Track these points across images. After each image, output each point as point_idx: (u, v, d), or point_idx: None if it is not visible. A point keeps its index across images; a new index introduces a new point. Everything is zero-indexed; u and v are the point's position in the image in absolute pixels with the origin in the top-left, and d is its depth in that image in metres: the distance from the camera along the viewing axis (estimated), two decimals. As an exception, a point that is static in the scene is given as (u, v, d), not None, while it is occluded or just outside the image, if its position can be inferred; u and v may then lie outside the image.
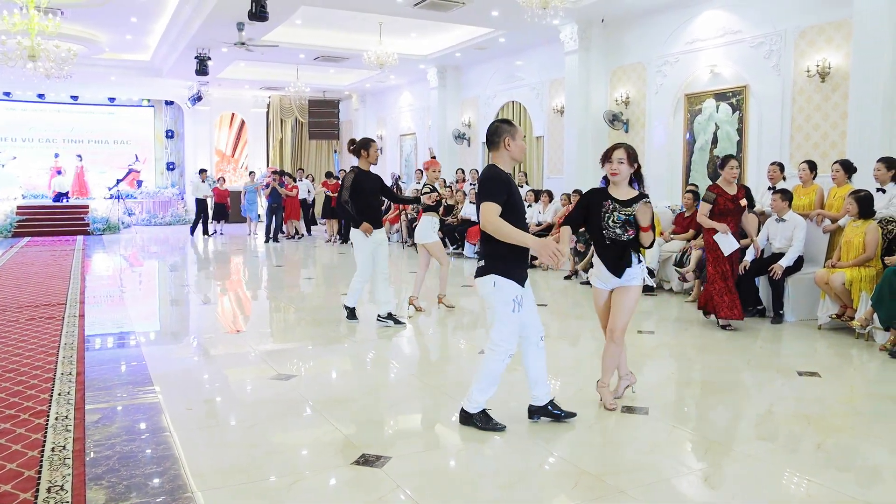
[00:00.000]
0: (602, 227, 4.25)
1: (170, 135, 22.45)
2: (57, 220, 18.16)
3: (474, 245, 12.34)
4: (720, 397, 4.83)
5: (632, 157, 4.29)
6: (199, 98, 20.10)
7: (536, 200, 11.93)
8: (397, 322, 6.98)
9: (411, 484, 3.33)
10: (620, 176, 4.27)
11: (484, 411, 4.03)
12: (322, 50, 15.46)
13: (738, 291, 7.27)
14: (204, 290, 9.69)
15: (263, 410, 4.46)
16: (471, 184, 13.59)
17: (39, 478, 3.39)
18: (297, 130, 22.94)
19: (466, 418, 4.04)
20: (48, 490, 3.26)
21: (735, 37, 10.24)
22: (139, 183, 22.04)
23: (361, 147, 6.84)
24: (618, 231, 4.21)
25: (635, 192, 4.32)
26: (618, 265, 4.24)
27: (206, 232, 17.49)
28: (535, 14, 9.97)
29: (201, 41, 14.05)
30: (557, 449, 3.81)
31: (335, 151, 23.42)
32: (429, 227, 7.51)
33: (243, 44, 12.96)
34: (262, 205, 18.09)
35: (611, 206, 4.23)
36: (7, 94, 20.56)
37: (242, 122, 22.46)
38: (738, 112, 10.37)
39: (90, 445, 3.81)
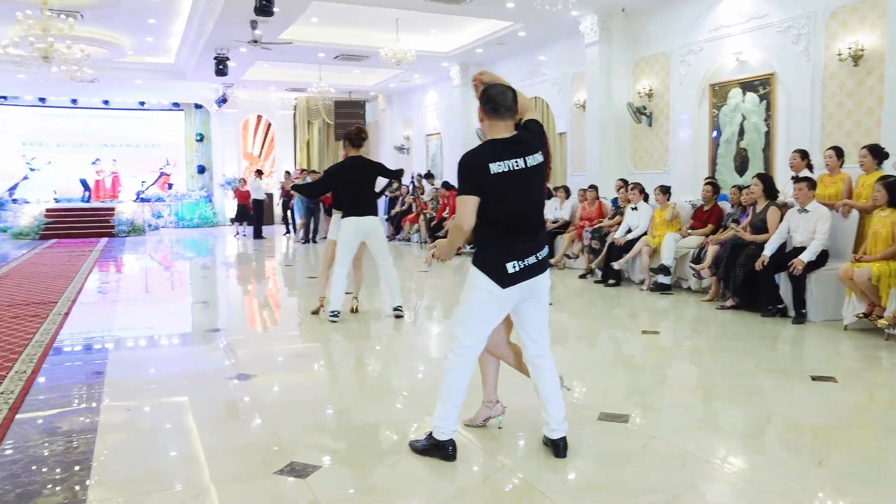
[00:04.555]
0: None
1: (199, 138, 22.52)
2: (84, 222, 18.29)
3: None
4: (715, 404, 4.34)
5: None
6: (225, 100, 20.09)
7: (549, 197, 11.45)
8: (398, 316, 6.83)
9: (330, 498, 2.94)
10: None
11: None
12: (340, 48, 15.23)
13: (756, 289, 6.78)
14: (206, 291, 9.47)
15: (206, 413, 4.12)
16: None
17: (-67, 483, 3.10)
18: (325, 132, 22.81)
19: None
20: (-65, 496, 2.96)
21: (762, 21, 9.64)
22: (170, 186, 22.16)
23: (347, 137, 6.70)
24: None
25: None
26: None
27: (258, 234, 17.34)
28: (548, 2, 9.53)
29: (218, 41, 13.93)
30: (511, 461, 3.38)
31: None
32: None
33: (256, 42, 12.76)
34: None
35: None
36: (42, 99, 20.85)
37: (269, 124, 22.40)
38: (765, 101, 9.75)
39: (6, 446, 3.52)
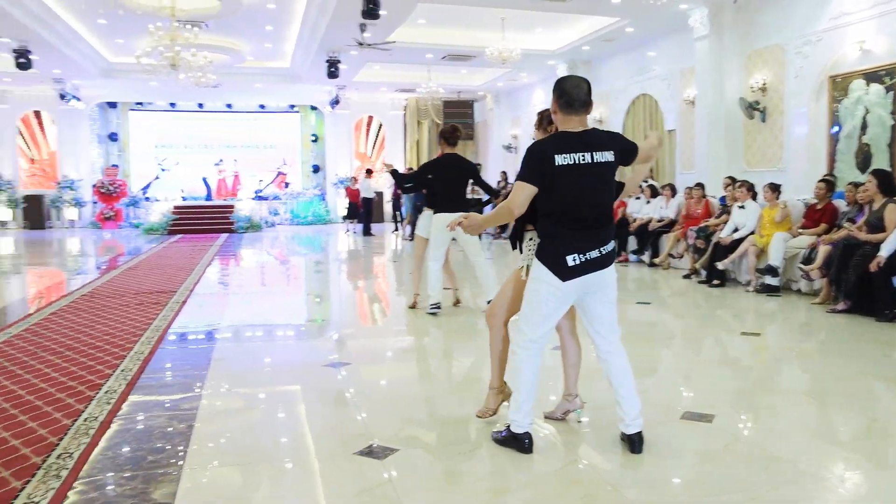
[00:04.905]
0: None
1: (314, 138, 23.40)
2: (206, 219, 19.43)
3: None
4: (812, 409, 4.16)
5: None
6: (338, 102, 20.80)
7: (655, 196, 11.19)
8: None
9: (403, 479, 3.07)
10: None
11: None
12: (447, 49, 15.46)
13: (871, 292, 6.41)
14: (316, 285, 9.88)
15: (300, 396, 4.36)
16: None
17: (57, 444, 3.45)
18: (434, 132, 23.14)
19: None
20: (58, 457, 3.30)
21: (888, 6, 9.04)
22: (286, 185, 23.16)
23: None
24: None
25: None
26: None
27: (367, 231, 17.88)
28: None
29: (330, 44, 14.45)
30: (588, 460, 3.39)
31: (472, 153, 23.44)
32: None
33: (361, 44, 13.16)
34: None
35: None
36: (172, 104, 22.30)
37: (380, 125, 22.98)
38: (891, 93, 9.15)
39: (119, 418, 3.86)
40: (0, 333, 6.05)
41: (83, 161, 20.54)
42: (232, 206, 20.29)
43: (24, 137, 20.26)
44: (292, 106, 23.13)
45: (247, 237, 17.56)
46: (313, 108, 22.97)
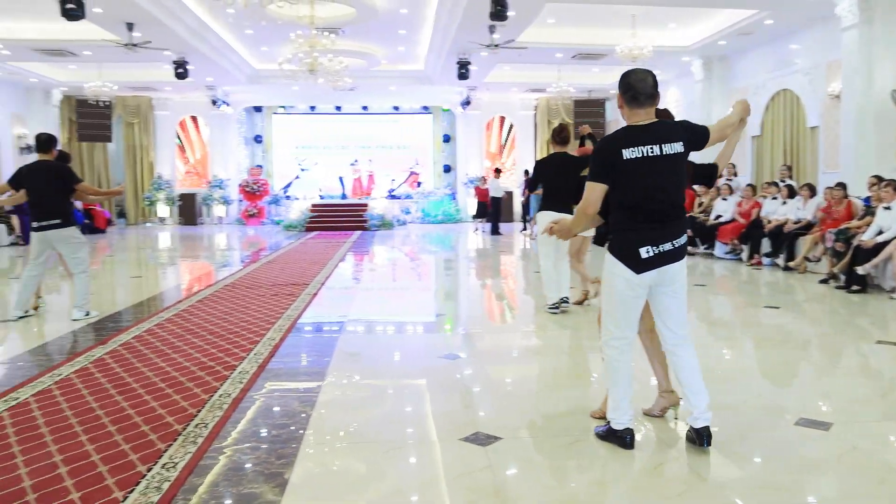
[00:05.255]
0: None
1: (446, 139, 23.88)
2: (341, 217, 20.31)
3: (726, 244, 11.39)
4: (944, 418, 3.91)
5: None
6: (469, 103, 21.12)
7: (792, 196, 10.64)
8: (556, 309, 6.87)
9: (502, 465, 3.20)
10: None
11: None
12: (577, 48, 15.36)
13: None
14: (443, 282, 10.16)
15: (416, 384, 4.59)
16: (727, 179, 12.54)
17: (195, 415, 3.84)
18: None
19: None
20: (195, 425, 3.68)
21: None
22: (418, 184, 23.78)
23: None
24: None
25: None
26: None
27: (496, 231, 18.15)
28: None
29: (460, 47, 14.73)
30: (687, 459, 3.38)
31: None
32: None
33: (490, 45, 13.34)
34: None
35: None
36: (312, 108, 23.45)
37: (511, 125, 23.10)
38: None
39: (250, 395, 4.22)
40: (154, 317, 6.70)
41: (231, 162, 22.04)
42: (366, 205, 21.09)
43: (181, 140, 22.00)
44: (425, 107, 23.70)
45: (379, 235, 18.20)
46: (445, 109, 23.44)
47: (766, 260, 10.47)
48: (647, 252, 3.21)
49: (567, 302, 6.95)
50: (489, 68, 17.54)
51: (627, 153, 3.18)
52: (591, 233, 6.84)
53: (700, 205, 12.73)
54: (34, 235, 6.75)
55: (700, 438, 3.32)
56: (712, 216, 11.99)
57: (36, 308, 7.11)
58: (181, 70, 15.33)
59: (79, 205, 15.09)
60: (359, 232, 18.70)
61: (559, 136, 6.85)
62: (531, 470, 3.21)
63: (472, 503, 2.86)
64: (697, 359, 3.41)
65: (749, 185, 11.94)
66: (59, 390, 4.35)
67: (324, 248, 13.93)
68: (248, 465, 3.20)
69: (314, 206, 21.01)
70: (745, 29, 13.16)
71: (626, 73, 3.31)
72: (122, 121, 21.33)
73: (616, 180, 3.24)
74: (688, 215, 11.17)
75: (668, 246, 3.24)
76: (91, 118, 20.08)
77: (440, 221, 22.21)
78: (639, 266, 3.24)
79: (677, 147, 3.23)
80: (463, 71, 15.77)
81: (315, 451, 3.39)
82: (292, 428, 3.69)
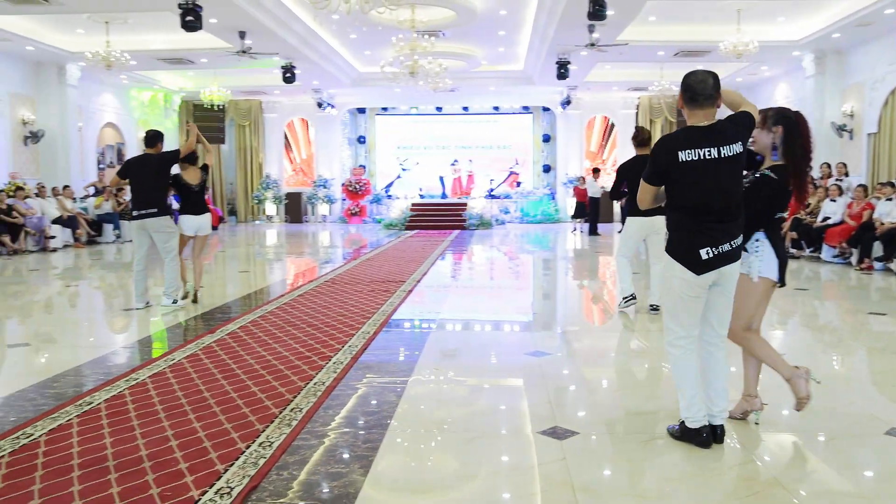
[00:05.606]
0: None
1: (546, 139, 23.84)
2: (440, 216, 20.66)
3: (834, 248, 10.92)
4: None
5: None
6: (569, 102, 21.02)
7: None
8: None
9: (576, 458, 3.30)
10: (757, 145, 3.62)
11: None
12: (679, 45, 15.06)
13: None
14: (541, 282, 10.24)
15: (499, 377, 4.73)
16: (836, 179, 11.99)
17: (291, 400, 4.12)
18: (667, 130, 22.53)
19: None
20: (291, 410, 3.96)
21: None
22: (518, 184, 23.86)
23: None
24: None
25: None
26: None
27: (594, 231, 18.07)
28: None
29: (559, 46, 14.73)
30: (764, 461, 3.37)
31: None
32: None
33: (592, 45, 13.28)
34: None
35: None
36: (414, 109, 23.94)
37: (612, 124, 22.81)
38: None
39: (342, 384, 4.48)
40: (259, 309, 7.13)
41: (335, 162, 22.82)
42: (465, 204, 21.36)
43: (288, 141, 22.96)
44: (525, 107, 23.75)
45: (477, 234, 18.41)
46: (545, 108, 23.41)
47: (877, 264, 9.97)
48: (708, 253, 3.23)
49: (634, 299, 7.00)
50: (589, 67, 17.42)
51: (683, 155, 3.20)
52: None
53: (807, 206, 12.23)
54: (133, 224, 7.35)
55: (714, 435, 3.39)
56: (819, 218, 11.50)
57: (186, 296, 7.58)
58: (289, 75, 16.06)
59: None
60: (457, 231, 18.98)
61: (637, 138, 6.90)
62: (603, 465, 3.29)
63: (538, 491, 2.98)
64: (727, 361, 3.48)
65: (861, 185, 11.38)
66: (172, 373, 4.75)
67: (422, 247, 14.25)
68: (336, 448, 3.44)
69: (414, 205, 21.48)
70: (864, 19, 12.54)
71: (688, 74, 3.35)
72: (234, 123, 22.50)
73: (672, 182, 3.29)
74: (793, 217, 10.80)
75: (726, 247, 3.26)
76: (206, 121, 21.28)
77: (539, 221, 22.20)
78: (699, 267, 3.26)
79: (736, 148, 3.23)
80: (562, 71, 15.75)
81: (400, 438, 3.59)
82: (380, 416, 3.91)
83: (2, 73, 15.15)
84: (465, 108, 23.84)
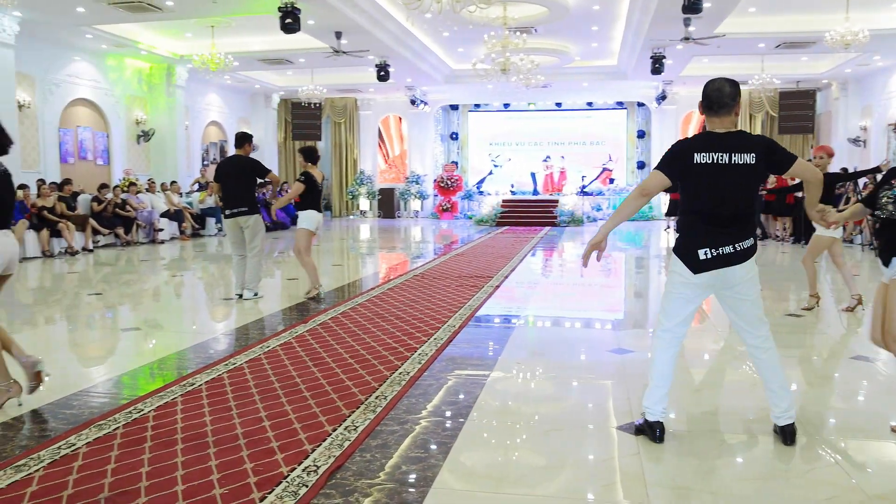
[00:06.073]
0: (876, 206, 3.64)
1: (640, 135, 23.41)
2: (531, 212, 20.65)
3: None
4: None
5: None
6: (664, 97, 20.56)
7: None
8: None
9: (649, 454, 3.32)
10: None
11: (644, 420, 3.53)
12: (782, 36, 14.49)
13: None
14: (629, 280, 10.15)
15: (577, 373, 4.78)
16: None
17: (377, 388, 4.30)
18: (768, 125, 21.69)
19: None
20: (375, 397, 4.13)
21: None
22: (611, 181, 23.54)
23: None
24: (890, 209, 3.56)
25: None
26: (886, 251, 3.54)
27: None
28: None
29: (654, 41, 14.46)
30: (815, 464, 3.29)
31: (811, 146, 21.49)
32: None
33: (687, 39, 12.97)
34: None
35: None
36: (506, 105, 23.98)
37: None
38: None
39: (426, 375, 4.63)
40: (350, 301, 7.39)
41: (428, 158, 23.14)
42: (556, 201, 21.26)
43: (382, 138, 23.45)
44: (619, 103, 23.38)
45: (568, 231, 18.31)
46: (640, 104, 22.99)
47: None
48: (706, 254, 3.31)
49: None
50: (685, 61, 17.01)
51: (698, 157, 3.30)
52: (840, 233, 6.68)
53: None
54: (226, 222, 7.74)
55: (784, 436, 3.40)
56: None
57: (317, 297, 7.71)
58: (383, 73, 16.40)
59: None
60: (548, 228, 18.93)
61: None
62: (678, 461, 3.29)
63: (612, 483, 3.03)
64: (779, 360, 3.45)
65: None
66: (267, 359, 5.03)
67: (512, 243, 14.31)
68: (417, 434, 3.58)
69: (505, 201, 21.55)
70: None
71: (707, 83, 3.41)
72: (329, 120, 23.16)
73: (684, 182, 3.38)
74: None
75: (728, 249, 3.30)
76: (303, 119, 22.04)
77: (631, 219, 21.80)
78: (696, 267, 3.34)
79: (747, 158, 3.27)
80: (657, 65, 15.46)
81: (478, 428, 3.69)
82: (461, 406, 4.03)
83: (121, 77, 16.20)
84: (558, 104, 23.69)
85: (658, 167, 3.42)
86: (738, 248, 3.34)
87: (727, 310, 3.52)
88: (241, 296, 7.65)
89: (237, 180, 7.61)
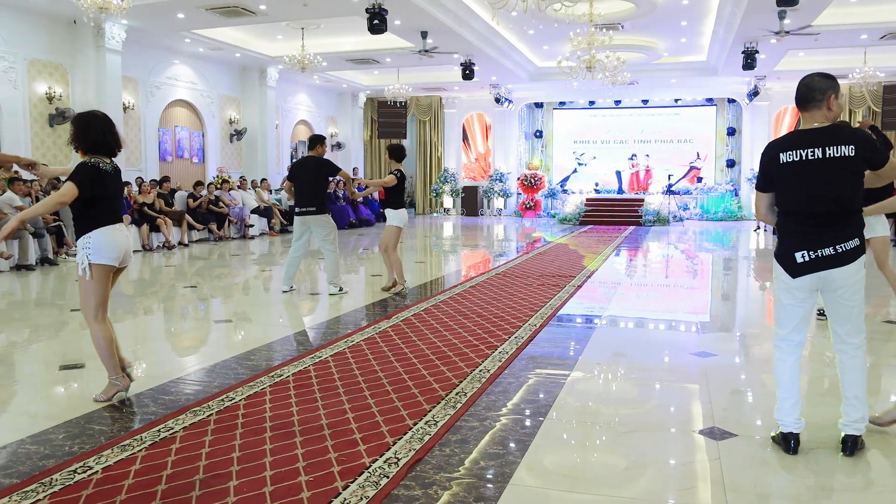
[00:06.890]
0: None
1: (731, 132, 22.69)
2: (616, 211, 20.34)
3: None
4: None
5: None
6: (756, 93, 19.86)
7: None
8: None
9: (730, 459, 3.26)
10: None
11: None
12: (888, 27, 13.78)
13: None
14: (715, 283, 9.91)
15: (655, 375, 4.72)
16: None
17: (457, 384, 4.37)
18: (871, 119, 20.66)
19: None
20: (456, 394, 4.21)
21: None
22: (699, 179, 22.90)
23: None
24: None
25: None
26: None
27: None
28: None
29: (746, 35, 14.01)
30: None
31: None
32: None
33: (779, 32, 12.51)
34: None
35: None
36: (591, 102, 23.68)
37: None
38: None
39: (506, 373, 4.67)
40: (432, 298, 7.50)
41: (511, 156, 23.12)
42: (641, 200, 20.87)
43: (466, 136, 23.57)
44: (709, 99, 22.71)
45: (653, 230, 17.95)
46: (730, 100, 22.27)
47: None
48: (803, 257, 3.19)
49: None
50: (779, 56, 16.40)
51: (784, 157, 3.21)
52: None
53: None
54: (296, 220, 8.00)
55: (845, 446, 3.30)
56: None
57: (401, 292, 7.94)
58: (468, 71, 16.49)
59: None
60: (633, 227, 18.63)
61: None
62: (756, 468, 3.21)
63: (689, 487, 2.99)
64: (864, 369, 3.31)
65: None
66: (351, 353, 5.17)
67: (595, 242, 14.16)
68: (496, 431, 3.63)
69: (589, 200, 21.30)
70: None
71: (802, 78, 3.31)
72: (415, 119, 23.46)
73: (776, 185, 3.28)
74: None
75: (828, 251, 3.15)
76: (389, 117, 22.41)
77: (720, 219, 21.22)
78: (794, 270, 3.24)
79: (845, 150, 3.11)
80: (749, 60, 14.94)
81: (557, 426, 3.71)
82: (540, 405, 4.05)
83: (215, 78, 16.91)
84: (645, 101, 23.21)
85: (756, 187, 3.39)
86: (840, 250, 3.16)
87: (828, 312, 3.36)
88: (290, 289, 8.01)
89: (309, 180, 7.85)
